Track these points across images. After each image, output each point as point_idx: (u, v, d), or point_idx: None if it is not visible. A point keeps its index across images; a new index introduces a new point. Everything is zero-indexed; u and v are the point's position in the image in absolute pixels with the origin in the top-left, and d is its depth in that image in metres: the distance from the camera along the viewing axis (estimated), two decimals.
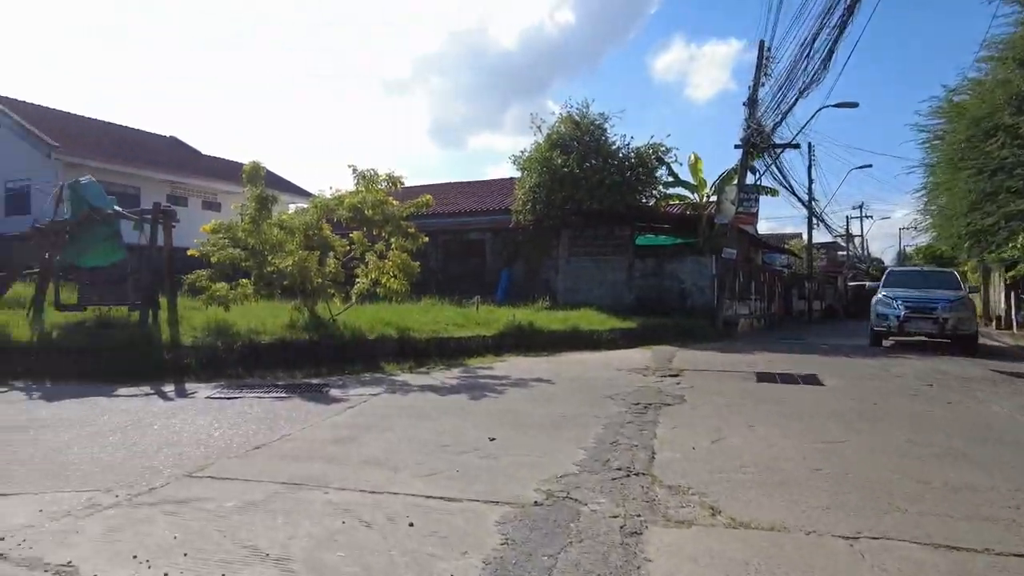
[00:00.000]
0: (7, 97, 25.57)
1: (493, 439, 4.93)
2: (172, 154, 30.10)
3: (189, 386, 7.62)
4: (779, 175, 19.92)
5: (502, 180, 25.77)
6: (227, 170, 30.24)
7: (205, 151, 33.39)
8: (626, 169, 18.87)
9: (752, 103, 17.27)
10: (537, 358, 11.09)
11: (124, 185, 24.09)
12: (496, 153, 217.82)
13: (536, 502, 3.47)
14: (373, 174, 10.59)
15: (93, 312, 9.70)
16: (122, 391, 7.17)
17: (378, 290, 10.99)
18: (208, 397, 6.91)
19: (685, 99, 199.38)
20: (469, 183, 27.71)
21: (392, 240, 11.00)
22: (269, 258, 9.87)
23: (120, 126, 30.29)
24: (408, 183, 11.77)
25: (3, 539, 2.88)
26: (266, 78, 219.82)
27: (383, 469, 4.14)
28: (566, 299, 19.22)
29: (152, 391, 7.20)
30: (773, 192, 20.71)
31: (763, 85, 17.06)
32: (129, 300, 9.56)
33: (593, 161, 18.66)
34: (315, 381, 8.15)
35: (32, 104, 26.52)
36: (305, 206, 11.03)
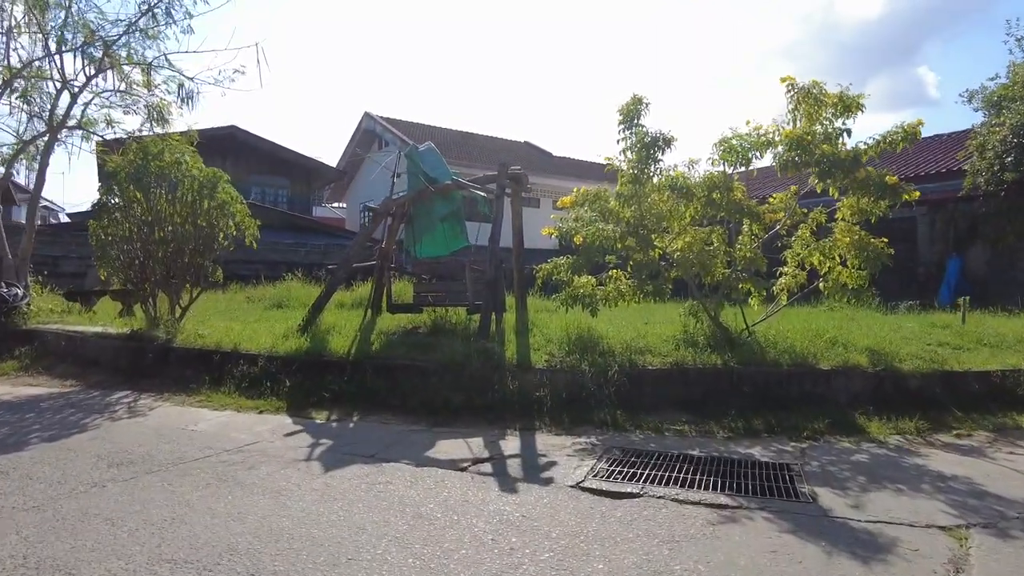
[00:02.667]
0: (390, 117, 28.11)
1: None
2: (526, 157, 30.01)
3: (541, 443, 4.45)
4: None
5: (936, 137, 18.61)
6: (576, 168, 29.11)
7: (556, 153, 32.95)
8: None
9: None
10: None
11: None
12: (854, 134, 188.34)
13: None
14: (820, 92, 6.26)
15: (429, 315, 7.46)
16: (440, 447, 4.29)
17: (821, 285, 6.66)
18: (576, 487, 3.51)
19: None
20: None
21: (843, 202, 6.56)
22: (654, 237, 6.37)
23: (479, 135, 31.41)
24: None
25: None
26: (599, 79, 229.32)
27: None
28: None
29: (486, 456, 4.13)
30: None
31: None
32: (468, 300, 7.04)
33: None
34: (759, 454, 4.26)
35: (407, 121, 28.77)
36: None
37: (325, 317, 7.32)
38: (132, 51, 9.34)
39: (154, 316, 7.22)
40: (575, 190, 7.05)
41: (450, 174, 7.51)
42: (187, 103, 10.71)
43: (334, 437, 4.58)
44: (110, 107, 9.63)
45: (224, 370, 6.07)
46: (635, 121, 6.65)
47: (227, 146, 24.91)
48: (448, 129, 30.57)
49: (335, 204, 37.74)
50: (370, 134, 29.36)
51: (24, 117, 9.85)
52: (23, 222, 20.76)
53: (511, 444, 4.43)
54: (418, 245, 7.61)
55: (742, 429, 4.88)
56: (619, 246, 6.26)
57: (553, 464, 3.95)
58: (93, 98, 10.11)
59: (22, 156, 10.36)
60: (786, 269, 6.83)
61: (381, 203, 7.45)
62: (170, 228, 6.91)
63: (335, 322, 7.12)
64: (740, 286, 6.66)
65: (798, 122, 6.35)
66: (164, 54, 9.48)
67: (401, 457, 4.03)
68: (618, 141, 6.76)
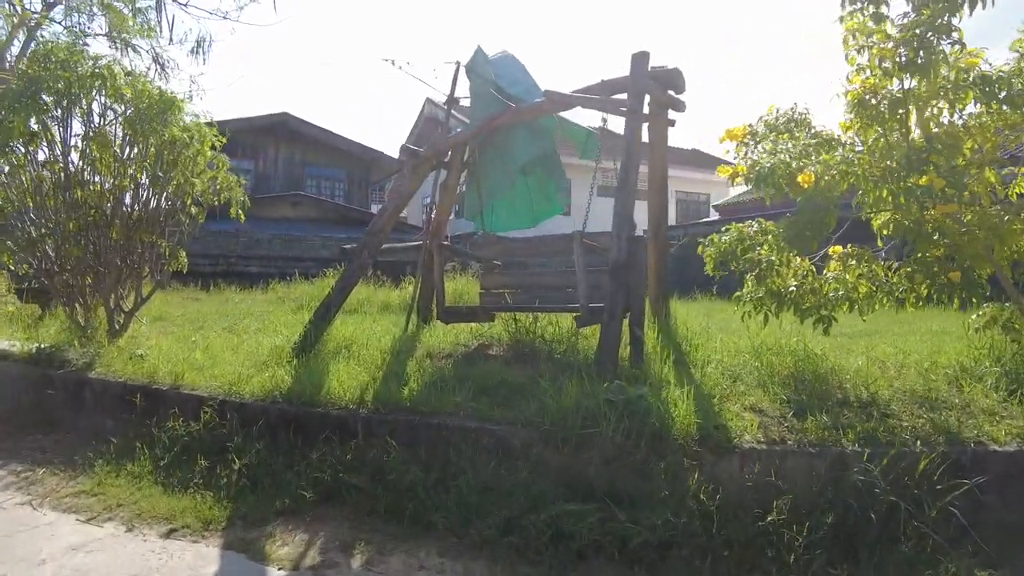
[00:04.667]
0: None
1: None
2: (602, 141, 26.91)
3: None
4: None
5: None
6: (672, 156, 25.78)
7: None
8: None
9: None
10: None
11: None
12: None
13: None
14: None
15: (505, 324, 4.56)
16: None
17: None
18: None
19: None
20: None
21: None
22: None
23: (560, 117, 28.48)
24: None
25: None
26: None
27: None
28: None
29: None
30: None
31: None
32: (580, 301, 4.07)
33: None
34: None
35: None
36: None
37: (341, 328, 4.56)
38: None
39: (83, 325, 4.64)
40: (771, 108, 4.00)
41: (540, 90, 4.61)
42: (197, 52, 8.35)
43: None
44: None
45: (148, 424, 3.38)
46: None
47: (279, 134, 23.15)
48: None
49: None
50: (433, 121, 26.97)
51: None
52: None
53: None
54: (487, 213, 4.76)
55: None
56: (882, 193, 3.15)
57: None
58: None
59: None
60: None
61: (429, 145, 4.65)
62: (91, 185, 4.29)
63: (355, 336, 4.34)
64: None
65: None
66: None
67: None
68: (841, 19, 3.66)
